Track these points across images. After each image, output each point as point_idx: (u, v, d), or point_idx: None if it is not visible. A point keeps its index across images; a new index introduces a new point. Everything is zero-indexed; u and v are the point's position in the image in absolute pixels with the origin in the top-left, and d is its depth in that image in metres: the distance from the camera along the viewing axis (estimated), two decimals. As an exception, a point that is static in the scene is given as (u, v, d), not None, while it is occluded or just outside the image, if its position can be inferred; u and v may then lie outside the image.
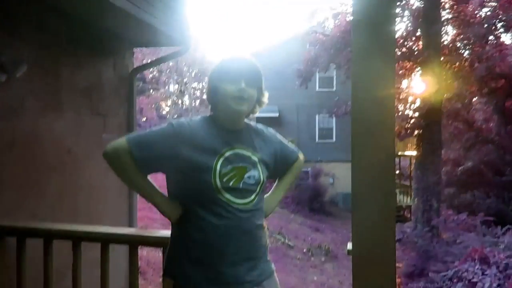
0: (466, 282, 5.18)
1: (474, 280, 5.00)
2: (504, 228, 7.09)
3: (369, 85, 0.67)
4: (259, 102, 1.54)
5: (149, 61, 6.17)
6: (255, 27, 48.38)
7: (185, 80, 33.10)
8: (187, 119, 1.49)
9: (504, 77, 13.89)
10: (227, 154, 1.44)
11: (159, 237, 2.20)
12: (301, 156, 1.75)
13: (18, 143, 2.72)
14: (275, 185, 1.74)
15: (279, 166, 1.64)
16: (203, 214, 1.39)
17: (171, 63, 30.19)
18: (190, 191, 1.42)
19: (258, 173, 1.48)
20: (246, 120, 1.58)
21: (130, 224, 3.69)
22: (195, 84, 36.26)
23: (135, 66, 4.40)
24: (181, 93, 35.52)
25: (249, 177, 1.46)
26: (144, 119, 31.40)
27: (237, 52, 1.68)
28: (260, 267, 1.48)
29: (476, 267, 5.31)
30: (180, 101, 37.60)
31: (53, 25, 3.06)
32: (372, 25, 0.66)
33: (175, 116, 36.12)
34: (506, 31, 13.05)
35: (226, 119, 1.50)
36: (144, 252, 4.85)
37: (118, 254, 2.59)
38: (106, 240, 1.99)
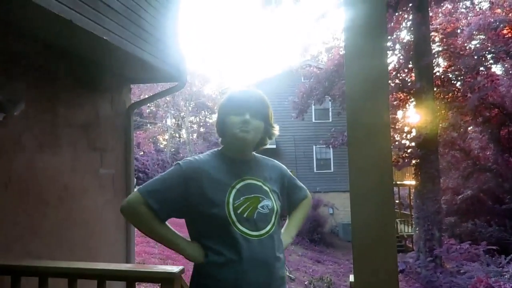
0: (473, 314, 5.03)
1: (481, 312, 4.86)
2: (508, 257, 6.97)
3: (364, 115, 0.69)
4: (268, 133, 1.58)
5: (146, 96, 6.25)
6: (250, 61, 49.40)
7: (182, 114, 33.42)
8: (196, 156, 1.52)
9: (497, 107, 14.12)
10: (239, 185, 1.46)
11: (157, 272, 2.16)
12: (309, 195, 1.79)
13: (14, 181, 2.71)
14: (287, 222, 1.74)
15: (287, 199, 1.66)
16: (220, 249, 1.39)
17: (168, 98, 30.61)
18: (206, 227, 1.42)
19: (271, 202, 1.49)
20: (254, 153, 1.61)
21: (128, 259, 3.62)
22: (192, 118, 36.60)
23: (132, 102, 4.45)
24: (178, 127, 35.77)
25: (262, 207, 1.46)
26: (141, 153, 31.43)
27: (243, 85, 1.74)
28: None
29: (482, 298, 5.19)
30: (177, 135, 37.79)
31: (50, 63, 3.12)
32: (364, 57, 0.69)
33: (172, 150, 36.20)
34: (496, 62, 13.38)
35: (234, 150, 1.54)
36: (141, 287, 4.73)
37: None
38: (102, 277, 1.95)
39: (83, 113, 3.50)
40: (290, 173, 1.71)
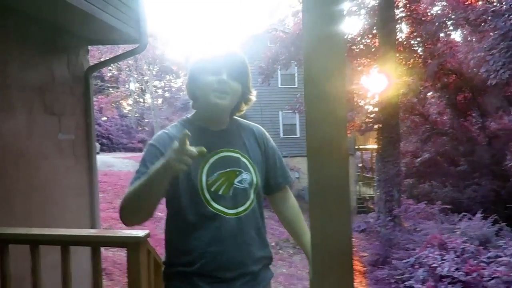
0: (427, 267, 5.40)
1: (434, 265, 5.22)
2: (460, 215, 7.46)
3: (320, 82, 0.67)
4: (245, 99, 1.40)
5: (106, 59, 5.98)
6: (216, 25, 48.08)
7: (145, 78, 32.37)
8: (166, 131, 1.35)
9: (455, 73, 14.62)
10: (212, 160, 1.31)
11: (122, 236, 2.14)
12: (290, 180, 1.57)
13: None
14: (294, 231, 1.51)
15: (269, 175, 1.46)
16: (196, 229, 1.28)
17: (130, 61, 29.47)
18: (180, 207, 1.29)
19: (250, 176, 1.34)
20: (234, 117, 1.43)
21: (93, 225, 3.56)
22: (156, 82, 35.59)
23: (91, 64, 4.24)
24: (142, 92, 34.76)
25: (240, 182, 1.32)
26: (104, 118, 30.45)
27: (220, 42, 1.50)
28: (256, 282, 1.34)
29: (436, 253, 5.56)
30: (141, 100, 36.77)
31: (-1, 20, 2.88)
32: (321, 22, 0.66)
33: (137, 115, 35.31)
34: (455, 29, 13.72)
35: (207, 118, 1.36)
36: (109, 252, 4.70)
37: (82, 256, 2.49)
38: (65, 243, 1.90)
39: (37, 75, 3.29)
40: (273, 144, 1.50)
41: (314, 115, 0.66)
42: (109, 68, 29.88)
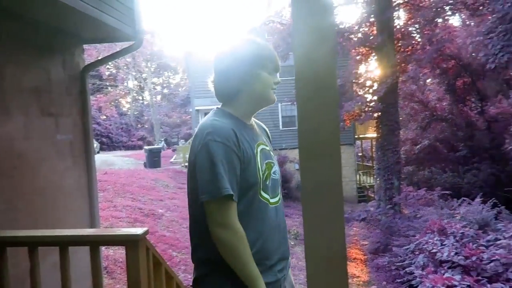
0: (427, 253, 5.44)
1: (434, 250, 5.25)
2: (459, 200, 7.49)
3: (311, 73, 0.69)
4: None
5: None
6: (212, 20, 47.83)
7: (144, 75, 32.32)
8: (220, 123, 1.29)
9: (454, 58, 14.56)
10: (259, 150, 1.35)
11: (120, 235, 2.18)
12: None
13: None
14: None
15: None
16: (245, 219, 1.27)
17: (128, 59, 29.41)
18: (241, 192, 1.27)
19: (278, 168, 1.44)
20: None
21: (92, 224, 3.60)
22: (154, 79, 35.54)
23: (86, 63, 4.25)
24: (141, 89, 34.72)
25: (274, 173, 1.38)
26: (104, 117, 30.48)
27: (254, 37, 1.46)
28: (288, 266, 1.44)
29: (435, 238, 5.59)
30: (140, 97, 36.74)
31: (-8, 24, 2.90)
32: (311, 12, 0.68)
33: (136, 113, 35.30)
34: (453, 14, 13.63)
35: (246, 111, 1.40)
36: (110, 251, 4.76)
37: (83, 255, 2.53)
38: (63, 243, 1.94)
39: (32, 76, 3.31)
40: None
41: (306, 111, 0.68)
42: (107, 66, 29.84)
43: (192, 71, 17.48)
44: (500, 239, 4.91)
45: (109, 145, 29.02)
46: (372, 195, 14.77)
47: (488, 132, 13.83)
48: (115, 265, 4.25)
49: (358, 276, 6.90)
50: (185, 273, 5.17)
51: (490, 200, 6.72)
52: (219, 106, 1.44)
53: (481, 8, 12.46)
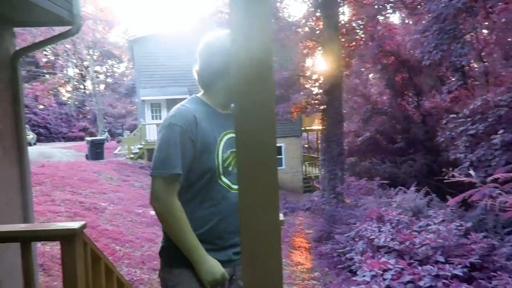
0: (366, 239, 5.73)
1: (372, 237, 5.55)
2: (396, 189, 7.95)
3: (247, 60, 0.69)
4: None
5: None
6: (161, 8, 46.38)
7: (85, 63, 30.71)
8: (185, 108, 1.44)
9: (393, 55, 15.34)
10: (225, 138, 1.47)
11: (54, 229, 2.07)
12: None
13: None
14: None
15: None
16: (203, 199, 1.44)
17: (68, 45, 27.81)
18: (197, 176, 1.42)
19: None
20: None
21: (26, 220, 3.39)
22: (97, 68, 33.91)
23: (17, 48, 3.96)
24: (82, 77, 33.00)
25: None
26: (41, 106, 28.63)
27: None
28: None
29: (374, 225, 5.91)
30: (81, 86, 34.92)
31: None
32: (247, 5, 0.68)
33: (77, 103, 33.53)
34: (394, 12, 14.32)
35: (221, 102, 1.50)
36: (47, 247, 4.52)
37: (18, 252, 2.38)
38: (-11, 240, 1.81)
39: (-47, 61, 3.03)
40: None
41: (244, 108, 0.68)
42: (45, 53, 28.00)
43: (138, 60, 16.86)
44: (430, 225, 5.29)
45: (47, 136, 27.36)
46: (317, 185, 15.26)
47: (423, 125, 14.79)
48: (53, 262, 4.05)
49: (302, 264, 7.14)
50: (129, 267, 5.04)
51: (423, 189, 7.21)
52: (197, 94, 1.56)
53: (418, 7, 13.21)
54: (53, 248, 4.43)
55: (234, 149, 1.44)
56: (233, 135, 1.47)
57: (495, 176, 3.75)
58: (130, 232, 6.47)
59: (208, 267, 1.39)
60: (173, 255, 1.46)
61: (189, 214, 1.42)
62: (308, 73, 13.67)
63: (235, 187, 1.45)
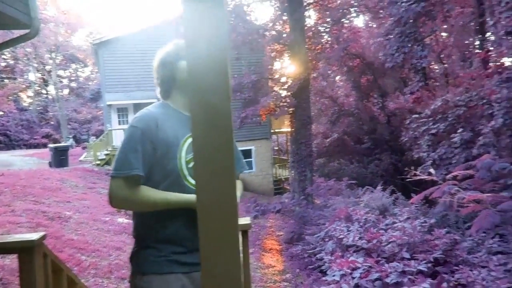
0: (335, 239, 5.82)
1: (341, 236, 5.64)
2: (363, 189, 8.13)
3: (202, 67, 0.68)
4: None
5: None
6: (126, 11, 45.50)
7: (48, 68, 29.66)
8: (147, 112, 1.49)
9: (358, 57, 15.73)
10: (190, 140, 1.48)
11: (10, 242, 1.99)
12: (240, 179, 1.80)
13: None
14: None
15: None
16: None
17: (28, 49, 26.80)
18: (159, 177, 1.44)
19: None
20: None
21: (-18, 234, 3.22)
22: (60, 72, 32.81)
23: (-30, 52, 3.78)
24: (45, 82, 31.84)
25: None
26: (0, 112, 27.38)
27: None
28: None
29: (342, 225, 6.01)
30: (44, 91, 33.67)
31: None
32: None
33: (39, 108, 32.30)
34: (357, 15, 14.70)
35: (183, 102, 1.55)
36: (7, 260, 4.31)
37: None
38: None
39: None
40: None
41: (199, 100, 0.67)
42: (3, 57, 26.87)
43: (103, 63, 16.43)
44: (396, 222, 5.44)
45: (7, 144, 26.19)
46: (288, 187, 15.38)
47: (388, 125, 15.23)
48: (12, 275, 3.86)
49: (274, 266, 7.16)
50: (96, 277, 4.88)
51: (389, 188, 7.41)
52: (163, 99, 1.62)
53: (381, 11, 13.63)
54: (14, 261, 4.23)
55: None
56: None
57: (454, 173, 3.91)
58: (96, 241, 6.28)
59: (194, 198, 1.38)
60: (144, 261, 1.47)
61: (156, 215, 1.44)
62: (276, 76, 13.79)
63: None
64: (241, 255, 1.80)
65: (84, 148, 22.81)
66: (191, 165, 1.46)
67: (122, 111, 16.88)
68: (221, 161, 0.64)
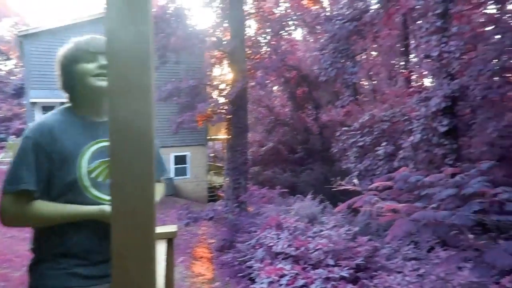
0: (265, 247, 5.89)
1: (271, 244, 5.72)
2: (295, 197, 8.36)
3: (125, 72, 0.63)
4: None
5: None
6: (55, 1, 42.75)
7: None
8: (42, 121, 1.37)
9: (295, 69, 16.27)
10: (93, 148, 1.38)
11: None
12: (163, 182, 1.71)
13: None
14: None
15: None
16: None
17: None
18: (58, 191, 1.34)
19: None
20: None
21: None
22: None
23: None
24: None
25: None
26: None
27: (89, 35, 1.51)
28: None
29: (273, 233, 6.10)
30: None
31: None
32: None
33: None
34: (296, 29, 15.23)
35: (87, 106, 1.43)
36: None
37: None
38: None
39: None
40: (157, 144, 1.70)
41: (117, 103, 0.63)
42: None
43: (29, 57, 15.23)
44: (323, 230, 5.64)
45: None
46: (222, 195, 15.34)
47: (321, 136, 15.87)
48: None
49: (203, 274, 7.05)
50: (5, 290, 4.46)
51: (318, 196, 7.69)
52: (68, 104, 1.49)
53: (317, 27, 14.26)
54: None
55: (105, 159, 1.38)
56: (106, 143, 1.41)
57: (375, 184, 4.17)
58: (10, 250, 5.76)
59: (94, 209, 1.33)
60: (41, 275, 1.37)
61: (56, 227, 1.34)
62: (215, 83, 13.76)
63: (109, 198, 1.38)
64: (164, 264, 1.73)
65: (2, 148, 20.99)
66: (93, 174, 1.36)
67: (47, 109, 15.72)
68: (139, 166, 0.61)
